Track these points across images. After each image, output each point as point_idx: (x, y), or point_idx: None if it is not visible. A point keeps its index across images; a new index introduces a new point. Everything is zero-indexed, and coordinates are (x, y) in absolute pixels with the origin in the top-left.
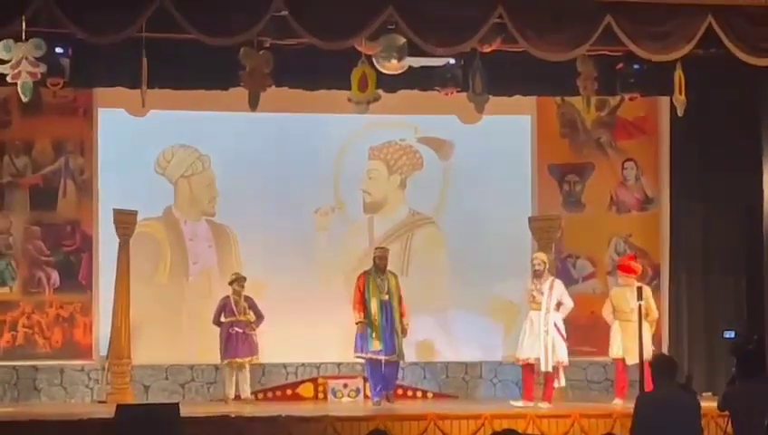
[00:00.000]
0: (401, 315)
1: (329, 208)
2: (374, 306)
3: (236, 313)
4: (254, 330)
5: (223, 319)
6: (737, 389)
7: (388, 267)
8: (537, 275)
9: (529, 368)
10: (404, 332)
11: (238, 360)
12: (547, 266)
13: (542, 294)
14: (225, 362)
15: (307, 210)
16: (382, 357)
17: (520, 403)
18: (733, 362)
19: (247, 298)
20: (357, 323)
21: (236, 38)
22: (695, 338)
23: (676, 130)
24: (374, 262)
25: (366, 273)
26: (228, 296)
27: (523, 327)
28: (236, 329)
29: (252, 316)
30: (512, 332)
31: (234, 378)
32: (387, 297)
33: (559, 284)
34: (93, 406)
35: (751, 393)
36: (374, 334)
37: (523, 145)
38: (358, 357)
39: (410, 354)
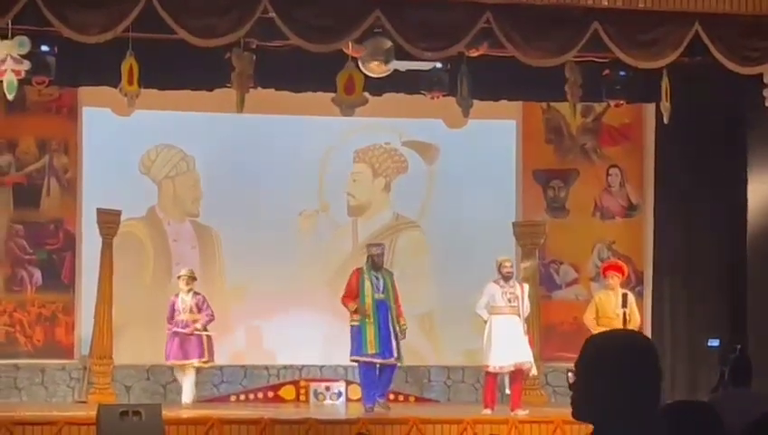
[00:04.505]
0: (399, 316)
1: (313, 211)
2: (369, 306)
3: (181, 311)
4: (203, 330)
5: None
6: (720, 396)
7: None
8: (506, 278)
9: (494, 376)
10: (402, 334)
11: (180, 362)
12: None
13: (517, 298)
14: (169, 363)
15: (291, 212)
16: (378, 360)
17: (488, 411)
18: (717, 369)
19: (197, 295)
20: (352, 322)
21: (223, 39)
22: (677, 345)
23: (660, 137)
24: (371, 259)
25: (360, 270)
26: (177, 294)
27: (493, 334)
28: (179, 329)
29: (200, 316)
30: None
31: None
32: (383, 296)
33: (526, 287)
34: (74, 406)
35: (734, 400)
36: (369, 336)
37: (508, 150)
38: (353, 360)
39: None
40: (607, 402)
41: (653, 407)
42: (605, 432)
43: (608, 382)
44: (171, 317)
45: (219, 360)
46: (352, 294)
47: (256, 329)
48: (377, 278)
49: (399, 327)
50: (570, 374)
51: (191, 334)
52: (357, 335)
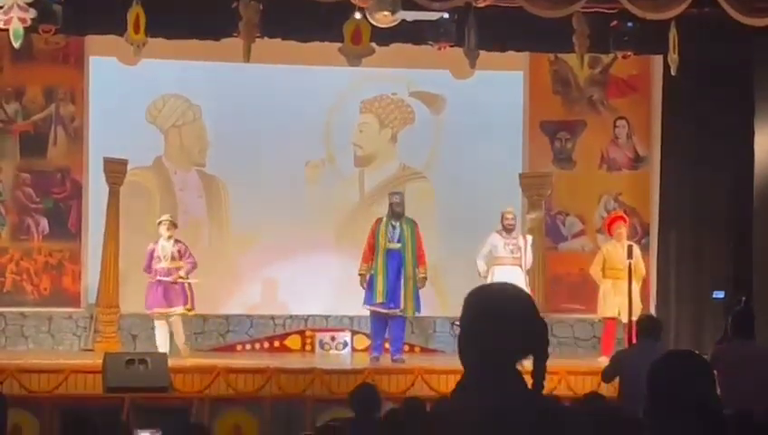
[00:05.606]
0: (418, 265)
1: (319, 161)
2: (380, 255)
3: (162, 258)
4: (185, 278)
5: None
6: (725, 348)
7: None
8: (508, 230)
9: None
10: (420, 282)
11: (164, 311)
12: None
13: (520, 249)
14: (150, 312)
15: (298, 163)
16: (383, 310)
17: None
18: (723, 321)
19: (178, 243)
20: (359, 275)
21: None
22: (682, 297)
23: (668, 89)
24: (391, 208)
25: (379, 219)
26: (156, 241)
27: None
28: (162, 277)
29: (182, 263)
30: None
31: (165, 330)
32: (398, 246)
33: (530, 238)
34: (80, 354)
35: (739, 352)
36: (378, 285)
37: (515, 101)
38: (366, 308)
39: None
40: (473, 349)
41: (515, 356)
42: (470, 377)
43: (471, 331)
44: (149, 266)
45: (226, 309)
46: (370, 249)
47: (262, 278)
48: (393, 227)
49: (417, 276)
50: (455, 326)
51: (175, 283)
52: (369, 284)
